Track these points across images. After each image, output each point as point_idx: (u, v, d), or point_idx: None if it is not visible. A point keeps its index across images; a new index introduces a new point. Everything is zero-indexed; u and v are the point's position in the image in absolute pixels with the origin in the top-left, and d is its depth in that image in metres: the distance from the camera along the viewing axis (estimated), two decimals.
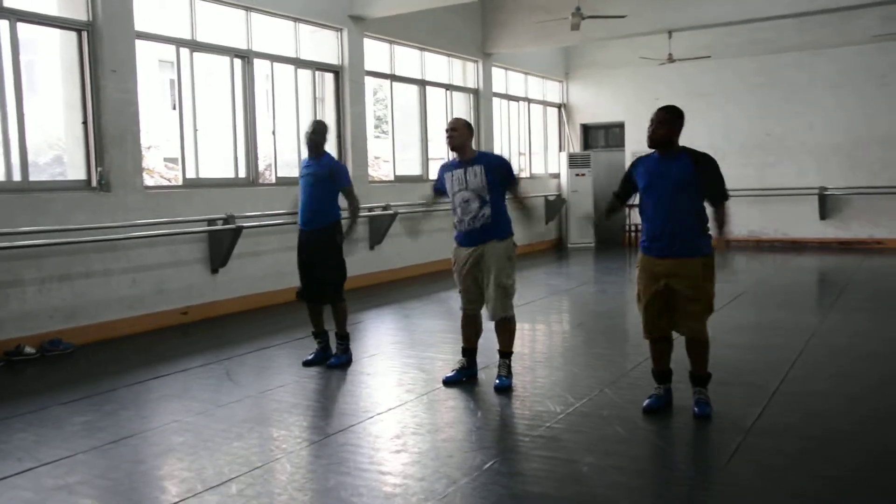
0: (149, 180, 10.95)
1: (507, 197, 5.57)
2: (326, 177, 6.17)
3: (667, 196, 4.65)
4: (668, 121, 4.68)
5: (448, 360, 6.19)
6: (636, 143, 15.40)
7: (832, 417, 4.75)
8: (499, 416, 5.04)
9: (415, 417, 4.94)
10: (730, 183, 4.79)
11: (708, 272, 4.70)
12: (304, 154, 6.53)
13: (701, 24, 12.20)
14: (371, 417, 4.92)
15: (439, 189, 5.72)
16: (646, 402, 4.86)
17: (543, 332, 8.02)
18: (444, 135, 5.58)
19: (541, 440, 4.43)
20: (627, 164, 5.72)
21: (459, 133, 5.49)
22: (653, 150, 4.80)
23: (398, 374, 6.07)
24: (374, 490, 3.77)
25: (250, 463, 4.13)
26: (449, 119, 12.61)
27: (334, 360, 6.25)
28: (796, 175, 14.58)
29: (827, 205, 14.24)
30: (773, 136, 14.79)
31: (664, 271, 4.67)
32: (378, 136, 16.99)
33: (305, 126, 6.43)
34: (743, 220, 14.65)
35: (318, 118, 9.27)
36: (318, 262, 6.18)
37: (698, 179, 4.62)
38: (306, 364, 6.24)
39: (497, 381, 5.47)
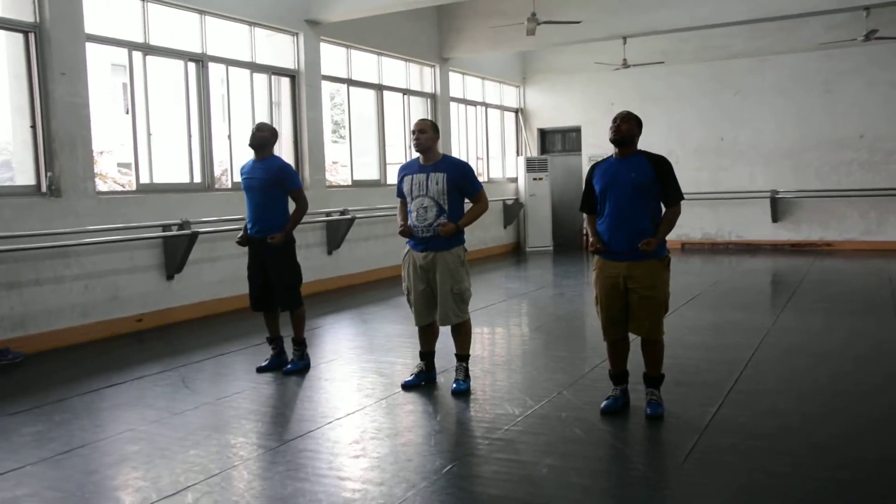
0: (102, 185, 10.78)
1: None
2: (275, 181, 6.07)
3: (624, 198, 4.69)
4: (632, 119, 4.74)
5: (407, 364, 6.18)
6: (593, 147, 15.55)
7: (784, 414, 4.85)
8: (458, 419, 5.04)
9: (374, 422, 4.91)
10: (684, 186, 4.88)
11: (664, 274, 4.77)
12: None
13: (654, 30, 12.37)
14: (330, 423, 4.88)
15: (403, 195, 5.55)
16: (603, 403, 4.91)
17: (502, 336, 8.05)
18: (411, 136, 5.43)
19: (500, 443, 4.43)
20: (584, 167, 5.74)
21: (427, 135, 5.37)
22: (609, 155, 4.87)
23: (357, 379, 6.04)
24: (332, 496, 3.74)
25: (207, 471, 4.07)
26: (408, 124, 12.86)
27: (291, 366, 6.18)
28: (749, 178, 14.87)
29: (778, 208, 14.54)
30: (726, 140, 15.07)
31: (621, 273, 4.72)
32: (336, 141, 16.91)
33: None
34: (697, 222, 14.93)
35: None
36: (273, 268, 6.11)
37: (658, 180, 4.68)
38: (260, 370, 6.18)
39: (454, 385, 5.46)
